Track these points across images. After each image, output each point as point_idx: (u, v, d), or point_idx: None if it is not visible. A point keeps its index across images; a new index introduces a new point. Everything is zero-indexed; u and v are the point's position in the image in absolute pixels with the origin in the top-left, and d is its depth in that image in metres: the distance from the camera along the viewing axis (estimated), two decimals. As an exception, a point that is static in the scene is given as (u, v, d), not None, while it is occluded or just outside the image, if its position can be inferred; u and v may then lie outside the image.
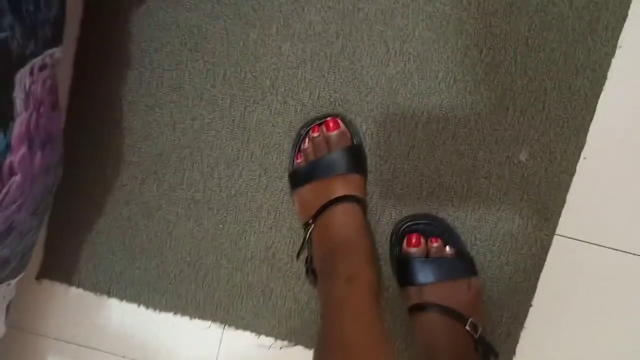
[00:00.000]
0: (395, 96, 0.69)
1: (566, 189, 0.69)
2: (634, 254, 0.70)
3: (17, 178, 0.48)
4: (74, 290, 0.77)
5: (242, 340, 0.76)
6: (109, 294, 0.77)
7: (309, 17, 0.68)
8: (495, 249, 0.71)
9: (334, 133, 0.67)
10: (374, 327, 0.54)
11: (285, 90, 0.70)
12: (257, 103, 0.71)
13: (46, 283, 0.77)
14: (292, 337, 0.75)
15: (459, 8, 0.66)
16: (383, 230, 0.72)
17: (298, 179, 0.70)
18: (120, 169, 0.73)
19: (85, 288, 0.77)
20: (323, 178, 0.67)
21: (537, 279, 0.71)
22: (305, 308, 0.74)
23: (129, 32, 0.69)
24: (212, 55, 0.70)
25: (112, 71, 0.70)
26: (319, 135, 0.68)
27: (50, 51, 0.48)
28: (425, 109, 0.69)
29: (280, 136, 0.71)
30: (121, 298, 0.77)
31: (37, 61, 0.47)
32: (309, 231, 0.67)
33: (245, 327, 0.76)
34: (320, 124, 0.68)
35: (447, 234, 0.70)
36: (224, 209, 0.73)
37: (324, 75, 0.69)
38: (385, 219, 0.72)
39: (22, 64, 0.45)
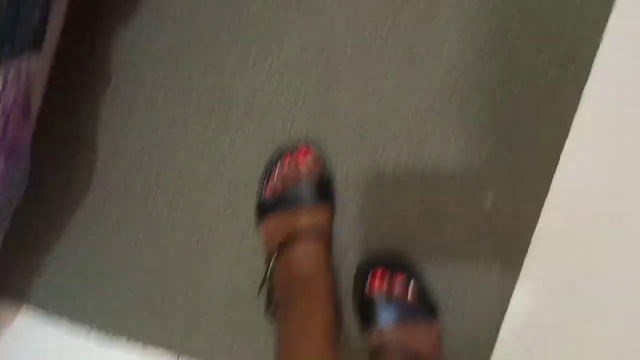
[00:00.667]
0: (367, 134, 0.71)
1: (530, 235, 0.71)
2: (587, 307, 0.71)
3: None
4: (25, 309, 0.75)
5: (194, 372, 0.74)
6: (60, 314, 0.75)
7: (287, 48, 0.70)
8: (458, 295, 0.72)
9: (304, 164, 0.69)
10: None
11: (259, 118, 0.72)
12: (230, 130, 0.72)
13: (-5, 300, 0.75)
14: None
15: (434, 55, 0.69)
16: (349, 264, 0.72)
17: (265, 209, 0.70)
18: (84, 187, 0.73)
19: (36, 306, 0.75)
20: (290, 209, 0.68)
21: (498, 326, 0.72)
22: (265, 345, 0.73)
23: (108, 50, 0.71)
24: (189, 79, 0.71)
25: (87, 86, 0.71)
26: (289, 165, 0.70)
27: (27, 55, 0.49)
28: (394, 149, 0.71)
29: (251, 165, 0.72)
30: (72, 319, 0.75)
31: (11, 64, 0.48)
32: (271, 265, 0.66)
33: (200, 357, 0.74)
34: (291, 154, 0.70)
35: (411, 275, 0.70)
36: (186, 236, 0.73)
37: (299, 106, 0.71)
38: (351, 256, 0.72)
39: (-7, 67, 0.46)
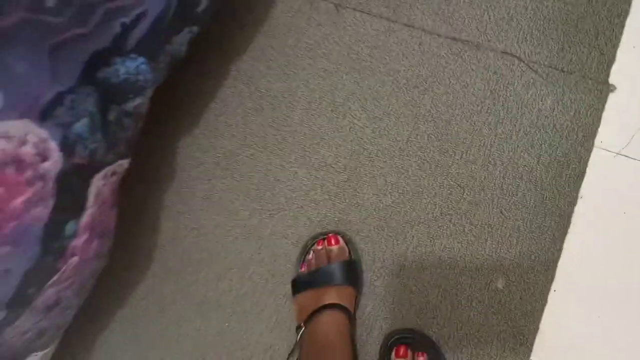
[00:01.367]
0: (390, 221, 0.83)
1: (539, 317, 0.79)
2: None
3: (76, 259, 0.60)
4: (81, 375, 0.84)
5: None
6: (113, 381, 0.84)
7: (322, 151, 0.84)
8: (475, 368, 0.79)
9: (334, 247, 0.80)
10: None
11: (297, 208, 0.84)
12: (272, 217, 0.84)
13: (57, 365, 0.85)
14: None
15: (446, 155, 0.82)
16: (374, 341, 0.81)
17: (299, 285, 0.81)
18: (146, 266, 0.85)
19: (92, 374, 0.84)
20: (319, 287, 0.78)
21: (514, 401, 0.78)
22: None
23: (174, 150, 0.86)
24: (240, 174, 0.85)
25: (153, 178, 0.85)
26: (321, 249, 0.81)
27: (121, 162, 0.63)
28: (415, 234, 0.82)
29: (289, 247, 0.84)
30: (124, 387, 0.83)
31: (110, 168, 0.62)
32: (300, 333, 0.76)
33: None
34: (323, 239, 0.81)
35: (433, 350, 0.78)
36: (230, 309, 0.83)
37: (331, 199, 0.84)
38: (376, 331, 0.81)
39: (100, 169, 0.60)
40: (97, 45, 0.48)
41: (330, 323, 0.75)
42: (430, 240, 0.82)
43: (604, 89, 0.82)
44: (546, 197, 0.81)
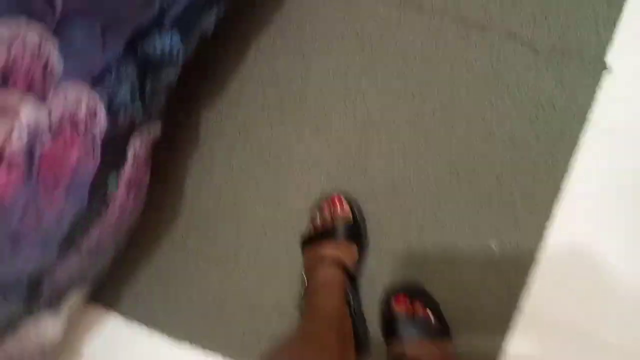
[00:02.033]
0: (396, 188, 0.91)
1: (528, 273, 0.87)
2: (581, 335, 0.86)
3: (115, 210, 0.69)
4: (114, 316, 0.95)
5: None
6: (143, 323, 0.94)
7: (334, 123, 0.93)
8: (468, 319, 0.88)
9: (338, 208, 0.89)
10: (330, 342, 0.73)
11: (309, 174, 0.93)
12: (287, 181, 0.93)
13: (91, 306, 0.95)
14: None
15: (449, 129, 0.90)
16: (375, 295, 0.90)
17: (306, 243, 0.90)
18: (172, 221, 0.95)
19: (123, 315, 0.95)
20: (323, 244, 0.87)
21: (500, 348, 0.87)
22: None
23: (198, 118, 0.94)
24: (258, 142, 0.95)
25: (179, 143, 0.95)
26: (327, 210, 0.90)
27: (154, 126, 0.72)
28: (419, 200, 0.90)
29: (301, 208, 0.93)
30: (152, 327, 0.94)
31: (145, 131, 0.70)
32: (304, 285, 0.86)
33: (251, 364, 0.92)
34: (330, 201, 0.90)
35: (429, 302, 0.87)
36: (247, 264, 0.93)
37: (341, 164, 0.93)
38: (378, 284, 0.90)
39: (137, 132, 0.69)
40: (139, 23, 0.56)
41: (325, 273, 0.84)
42: (432, 205, 0.90)
43: (601, 68, 0.88)
44: (540, 166, 0.89)
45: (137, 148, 0.70)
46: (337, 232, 0.87)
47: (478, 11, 0.91)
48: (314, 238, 0.89)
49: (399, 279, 0.90)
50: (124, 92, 0.59)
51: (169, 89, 0.71)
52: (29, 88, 0.49)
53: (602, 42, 0.89)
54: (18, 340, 0.68)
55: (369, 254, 0.91)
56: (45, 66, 0.48)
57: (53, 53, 0.49)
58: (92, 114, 0.55)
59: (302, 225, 0.92)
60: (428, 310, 0.86)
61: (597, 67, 0.88)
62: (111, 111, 0.58)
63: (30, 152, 0.51)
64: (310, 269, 0.86)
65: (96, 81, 0.54)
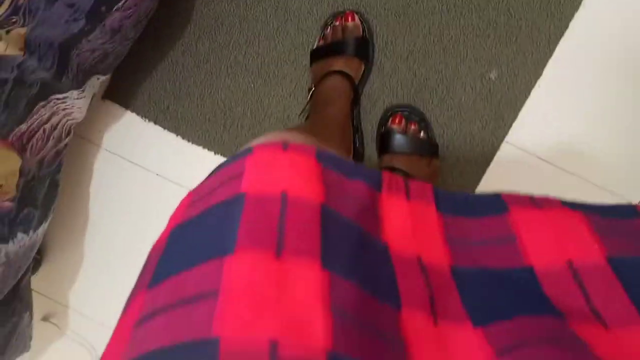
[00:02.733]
0: (407, 9, 0.93)
1: (520, 107, 0.94)
2: (559, 167, 0.95)
3: (136, -9, 0.71)
4: (128, 114, 1.02)
5: (250, 177, 1.02)
6: (155, 121, 1.02)
7: None
8: (457, 142, 0.96)
9: (350, 24, 0.91)
10: (335, 144, 0.81)
11: (324, -14, 0.93)
12: (301, -7, 0.94)
13: (108, 103, 1.02)
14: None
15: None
16: (376, 113, 0.97)
17: (315, 55, 0.94)
18: (184, 25, 0.97)
19: (137, 113, 1.02)
20: (332, 57, 0.91)
21: (483, 172, 0.97)
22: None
23: None
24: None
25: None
26: (339, 24, 0.92)
27: None
28: (427, 23, 0.93)
29: (312, 22, 0.95)
30: (164, 127, 1.02)
31: None
32: (310, 94, 0.91)
33: (255, 168, 1.01)
34: (342, 16, 0.92)
35: (423, 123, 0.95)
36: (257, 73, 0.98)
37: (356, -19, 0.92)
38: (379, 104, 0.97)
39: None
40: None
41: (334, 85, 0.89)
42: (440, 30, 0.93)
43: None
44: (552, 1, 0.90)
45: None
46: (347, 46, 0.91)
47: None
48: (324, 51, 0.93)
49: (399, 100, 0.96)
50: None
51: None
52: None
53: None
54: (49, 110, 0.75)
55: (373, 73, 0.96)
56: None
57: None
58: None
59: (311, 41, 0.96)
60: (421, 131, 0.94)
61: None
62: None
63: None
64: (318, 80, 0.91)
65: None
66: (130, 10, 0.73)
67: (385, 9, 0.93)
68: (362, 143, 0.96)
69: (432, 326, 0.33)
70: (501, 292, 0.35)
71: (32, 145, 0.79)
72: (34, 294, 0.99)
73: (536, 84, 0.93)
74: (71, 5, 0.63)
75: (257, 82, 0.98)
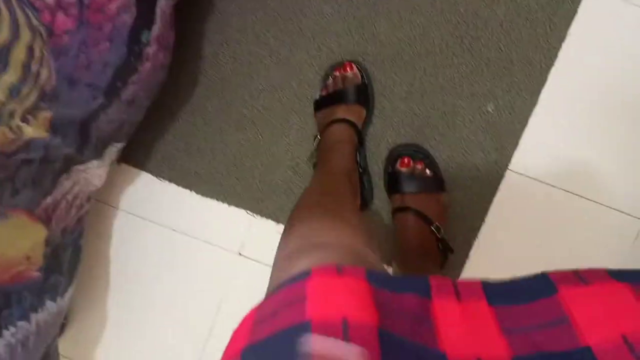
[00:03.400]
0: (402, 53, 0.98)
1: (519, 136, 0.98)
2: (562, 189, 0.98)
3: (148, 65, 0.77)
4: (144, 174, 1.06)
5: (265, 226, 1.05)
6: (170, 180, 1.06)
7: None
8: (462, 175, 0.99)
9: (349, 73, 0.96)
10: (344, 192, 0.84)
11: (320, 40, 0.99)
12: (299, 47, 1.00)
13: (124, 166, 1.07)
14: (303, 228, 1.04)
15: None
16: (381, 153, 1.00)
17: (318, 105, 0.99)
18: (192, 86, 1.02)
19: (152, 174, 1.06)
20: (334, 106, 0.96)
21: (490, 202, 1.00)
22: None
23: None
24: (271, 8, 0.99)
25: (196, 12, 0.99)
26: (338, 75, 0.97)
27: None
28: (423, 65, 0.98)
29: (313, 74, 1.00)
30: (178, 184, 1.06)
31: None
32: (316, 142, 0.96)
33: (269, 216, 1.05)
34: (340, 67, 0.97)
35: (429, 160, 0.98)
36: (264, 125, 1.02)
37: (350, 32, 0.98)
38: (383, 144, 1.01)
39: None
40: None
41: (338, 133, 0.94)
42: (435, 70, 0.98)
43: None
44: (539, 33, 0.95)
45: (163, 6, 0.76)
46: (348, 94, 0.96)
47: None
48: (326, 101, 0.98)
49: (402, 139, 1.00)
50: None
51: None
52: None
53: None
54: (71, 181, 0.79)
55: (375, 116, 1.00)
56: None
57: None
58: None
59: (313, 92, 1.01)
60: (427, 169, 0.97)
61: None
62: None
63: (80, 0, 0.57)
64: (323, 128, 0.95)
65: None
66: (143, 83, 0.78)
67: (380, 55, 0.98)
68: (370, 183, 1.00)
69: None
70: None
71: (56, 216, 0.83)
72: (61, 358, 1.01)
73: (533, 112, 0.97)
74: (90, 85, 0.68)
75: (265, 134, 1.03)
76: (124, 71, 0.71)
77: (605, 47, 0.96)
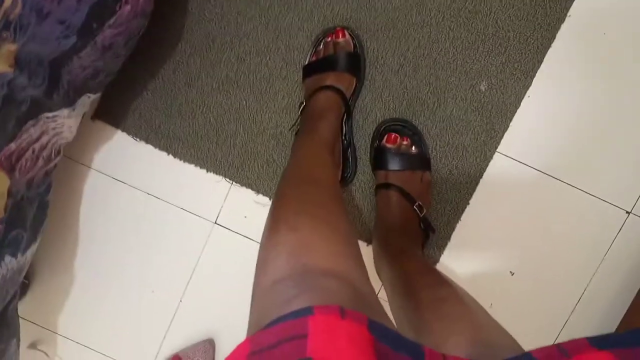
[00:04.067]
0: (396, 23, 0.94)
1: (510, 118, 0.95)
2: (551, 176, 0.96)
3: (128, 7, 0.72)
4: (119, 133, 1.02)
5: (244, 195, 1.01)
6: (147, 141, 1.01)
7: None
8: (449, 154, 0.97)
9: (341, 40, 0.92)
10: (324, 161, 0.79)
11: (313, 4, 0.94)
12: (290, 10, 0.95)
13: (98, 123, 1.02)
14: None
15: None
16: (369, 126, 0.97)
17: (307, 71, 0.95)
18: (175, 43, 0.97)
19: (128, 133, 1.01)
20: (323, 72, 0.92)
21: (476, 183, 0.97)
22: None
23: None
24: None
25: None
26: (330, 41, 0.93)
27: None
28: (417, 37, 0.94)
29: (303, 39, 0.96)
30: (155, 146, 1.01)
31: None
32: (301, 108, 0.92)
33: (248, 185, 1.01)
34: (333, 33, 0.93)
35: (416, 137, 0.95)
36: (249, 89, 0.98)
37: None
38: (371, 118, 0.97)
39: None
40: None
41: (325, 99, 0.90)
42: (429, 44, 0.94)
43: None
44: (538, 12, 0.92)
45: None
46: (339, 61, 0.92)
47: None
48: (316, 67, 0.94)
49: (391, 113, 0.97)
50: None
51: None
52: None
53: None
54: (39, 129, 0.74)
55: (365, 87, 0.96)
56: None
57: None
58: None
59: (302, 57, 0.97)
60: (413, 145, 0.94)
61: None
62: None
63: None
64: (310, 94, 0.91)
65: None
66: (122, 28, 0.73)
67: (375, 24, 0.95)
68: (355, 157, 0.96)
69: None
70: None
71: (21, 165, 0.78)
72: (21, 321, 0.97)
73: (526, 94, 0.95)
74: (62, 22, 0.63)
75: (249, 99, 0.99)
76: (101, 11, 0.67)
77: (605, 27, 0.94)
